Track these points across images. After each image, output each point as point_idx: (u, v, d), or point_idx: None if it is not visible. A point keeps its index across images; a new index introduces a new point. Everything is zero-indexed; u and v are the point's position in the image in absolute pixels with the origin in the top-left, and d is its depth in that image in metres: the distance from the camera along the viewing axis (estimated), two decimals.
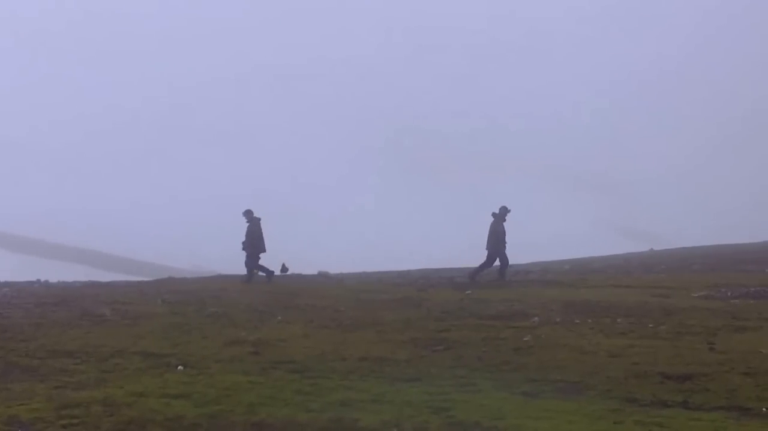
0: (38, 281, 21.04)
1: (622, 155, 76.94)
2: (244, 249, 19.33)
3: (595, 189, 71.91)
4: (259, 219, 19.54)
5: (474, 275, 19.16)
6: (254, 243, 19.22)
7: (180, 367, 8.60)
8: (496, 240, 18.91)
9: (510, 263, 20.06)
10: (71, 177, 71.00)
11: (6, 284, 18.92)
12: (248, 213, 19.58)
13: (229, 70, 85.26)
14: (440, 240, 56.44)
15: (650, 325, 11.42)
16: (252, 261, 19.32)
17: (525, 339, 10.37)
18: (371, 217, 63.50)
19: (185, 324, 11.83)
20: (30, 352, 9.41)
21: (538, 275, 21.02)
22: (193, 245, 57.32)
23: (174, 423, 6.46)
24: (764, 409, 7.00)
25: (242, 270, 21.76)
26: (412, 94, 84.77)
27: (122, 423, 6.45)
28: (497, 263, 19.38)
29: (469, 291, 16.49)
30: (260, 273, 19.52)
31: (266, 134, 79.65)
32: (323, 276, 24.42)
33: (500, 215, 19.15)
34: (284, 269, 24.86)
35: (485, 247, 19.19)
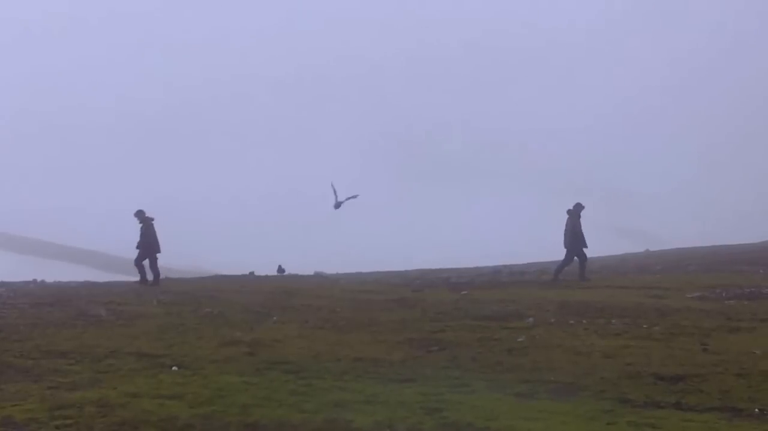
0: (34, 281, 21.06)
1: (619, 156, 77.12)
2: (137, 248, 19.11)
3: (592, 190, 72.03)
4: (152, 220, 19.24)
5: (557, 273, 19.11)
6: (149, 244, 18.97)
7: (174, 368, 8.60)
8: (573, 237, 18.88)
9: (506, 263, 20.15)
10: (69, 177, 70.93)
11: (2, 284, 18.92)
12: (140, 214, 19.23)
13: (232, 73, 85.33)
14: (437, 243, 56.52)
15: (644, 326, 11.44)
16: (140, 261, 19.05)
17: (519, 339, 10.39)
18: (368, 220, 63.55)
19: (180, 324, 11.83)
20: (24, 352, 9.41)
21: (534, 275, 21.04)
22: (190, 245, 57.29)
23: (167, 424, 6.47)
24: (757, 410, 7.02)
25: (238, 270, 21.71)
26: (411, 99, 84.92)
27: (116, 424, 6.45)
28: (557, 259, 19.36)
29: (465, 292, 16.53)
30: (143, 274, 19.26)
31: (265, 137, 79.70)
32: (320, 277, 24.48)
33: (575, 212, 19.16)
34: (281, 270, 24.84)
35: (563, 245, 19.18)
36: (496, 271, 24.16)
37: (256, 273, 24.01)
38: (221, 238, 59.95)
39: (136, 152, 76.31)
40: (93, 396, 7.25)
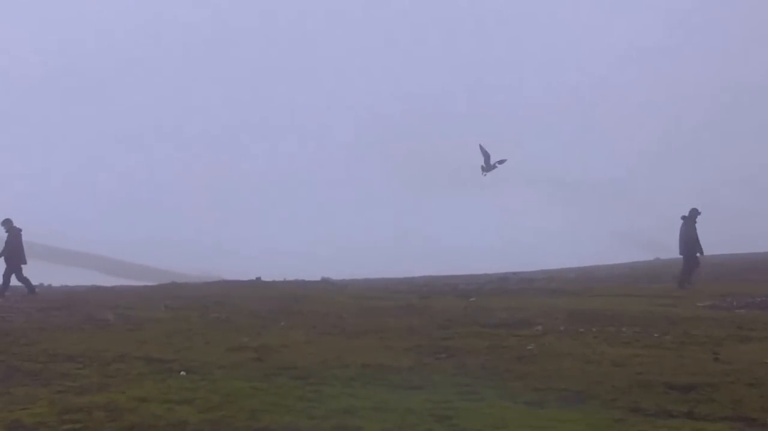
0: (41, 285, 21.10)
1: (629, 162, 76.85)
2: (6, 261, 18.58)
3: (602, 197, 71.81)
4: (20, 230, 18.77)
5: (683, 283, 18.85)
6: (14, 254, 18.48)
7: (183, 373, 8.58)
8: (688, 242, 18.73)
9: (515, 271, 20.09)
10: (75, 180, 71.19)
11: (9, 287, 18.96)
12: (7, 223, 18.77)
13: (217, 70, 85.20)
14: (442, 247, 56.45)
15: (655, 334, 11.38)
16: (9, 272, 18.51)
17: (529, 347, 10.33)
18: (368, 222, 63.48)
19: (188, 329, 11.83)
20: (33, 356, 9.41)
21: (543, 283, 20.97)
22: (197, 250, 57.41)
23: (176, 429, 6.44)
24: None
25: (248, 276, 21.65)
26: (420, 97, 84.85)
27: (125, 428, 6.43)
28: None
29: (473, 299, 16.48)
30: (14, 285, 18.84)
31: (263, 135, 79.70)
32: (326, 283, 24.46)
33: (690, 218, 19.08)
34: None
35: (678, 252, 19.05)
36: (504, 278, 24.09)
37: (263, 279, 24.00)
38: (227, 242, 60.06)
39: (140, 155, 76.45)
40: (102, 400, 7.23)
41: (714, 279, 21.77)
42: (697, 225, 19.06)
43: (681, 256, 19.12)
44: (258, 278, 23.97)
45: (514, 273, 26.66)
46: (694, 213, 19.05)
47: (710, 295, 16.50)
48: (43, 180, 71.22)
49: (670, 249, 19.91)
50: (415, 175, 76.63)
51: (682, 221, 19.08)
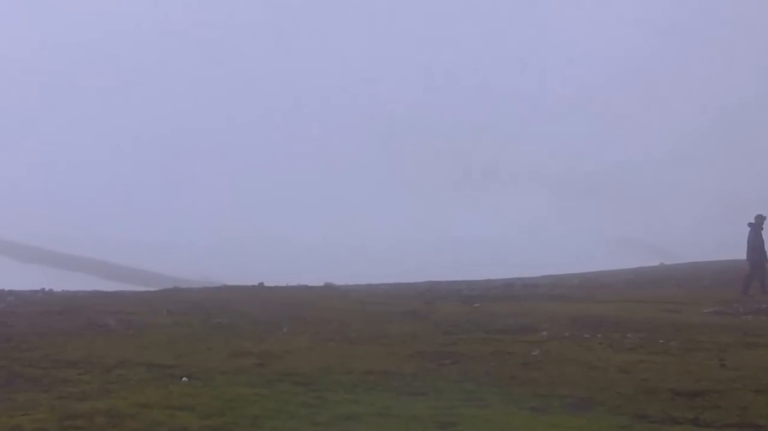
0: (42, 290, 21.03)
1: (635, 167, 76.72)
2: None
3: (606, 202, 71.66)
4: None
5: (765, 288, 18.50)
6: None
7: (184, 378, 8.52)
8: (755, 250, 18.54)
9: (518, 276, 20.02)
10: (78, 186, 71.28)
11: (10, 292, 18.91)
12: None
13: (219, 70, 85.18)
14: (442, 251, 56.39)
15: (660, 341, 11.32)
16: None
17: (533, 353, 10.28)
18: (370, 225, 63.49)
19: (190, 334, 11.78)
20: (33, 362, 9.36)
21: (547, 289, 20.90)
22: (200, 255, 57.42)
23: None
24: None
25: (250, 281, 21.65)
26: (426, 103, 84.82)
27: None
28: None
29: (477, 304, 16.43)
30: None
31: (263, 137, 79.79)
32: (329, 288, 24.39)
33: (757, 225, 18.81)
34: None
35: (746, 258, 18.83)
36: (509, 284, 24.02)
37: (266, 284, 23.92)
38: (229, 248, 60.08)
39: (144, 162, 76.53)
40: (103, 406, 7.18)
41: (720, 285, 21.68)
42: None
43: (749, 263, 18.74)
44: (260, 284, 23.91)
45: (519, 279, 26.60)
46: (760, 220, 18.76)
47: (715, 301, 16.44)
48: (42, 183, 71.33)
49: (675, 255, 19.84)
50: (417, 177, 76.65)
51: (749, 228, 18.78)
